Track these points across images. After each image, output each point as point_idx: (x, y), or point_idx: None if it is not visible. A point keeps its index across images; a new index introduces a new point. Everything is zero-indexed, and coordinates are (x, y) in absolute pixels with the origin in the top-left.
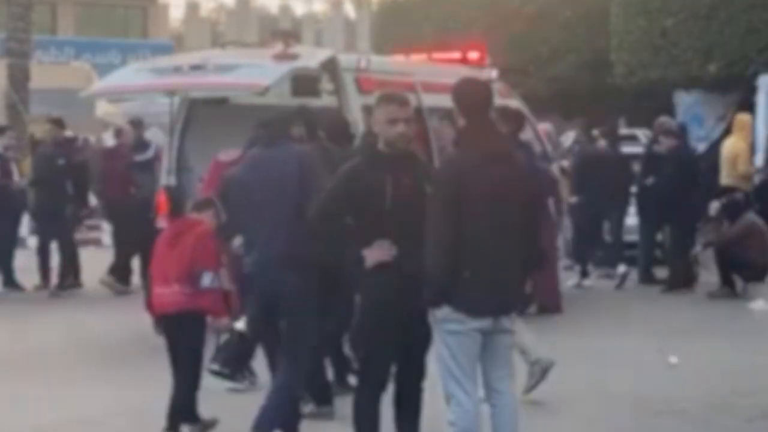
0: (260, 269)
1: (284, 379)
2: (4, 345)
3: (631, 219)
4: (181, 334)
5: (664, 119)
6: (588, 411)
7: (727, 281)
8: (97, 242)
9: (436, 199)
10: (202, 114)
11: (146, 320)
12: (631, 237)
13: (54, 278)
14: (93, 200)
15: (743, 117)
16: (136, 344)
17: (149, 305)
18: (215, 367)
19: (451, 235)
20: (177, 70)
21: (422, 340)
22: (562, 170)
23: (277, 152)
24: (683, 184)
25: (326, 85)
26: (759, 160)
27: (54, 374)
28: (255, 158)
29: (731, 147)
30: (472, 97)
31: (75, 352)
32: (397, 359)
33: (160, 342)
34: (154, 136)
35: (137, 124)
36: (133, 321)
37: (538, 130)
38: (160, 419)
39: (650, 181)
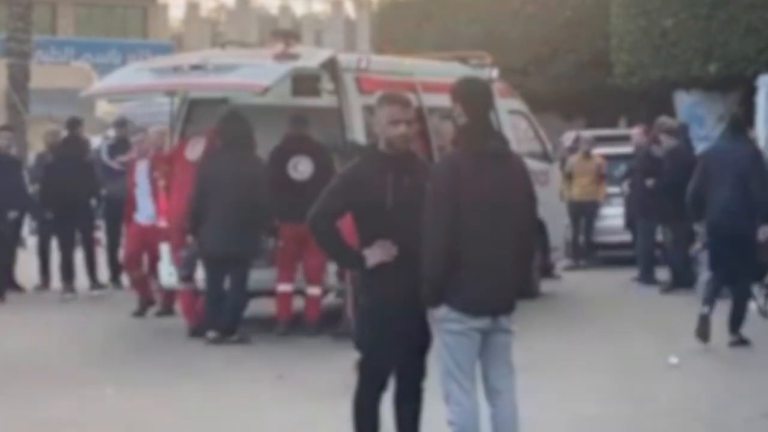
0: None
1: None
2: (4, 345)
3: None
4: None
5: (664, 119)
6: (588, 411)
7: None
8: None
9: (433, 198)
10: (202, 114)
11: (145, 321)
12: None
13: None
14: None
15: None
16: (136, 344)
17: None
18: None
19: (448, 234)
20: (177, 70)
21: (423, 339)
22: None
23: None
24: (684, 183)
25: (326, 85)
26: None
27: (54, 374)
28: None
29: None
30: (474, 96)
31: (75, 353)
32: (397, 359)
33: (159, 343)
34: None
35: (73, 124)
36: (132, 321)
37: (539, 130)
38: (161, 419)
39: (651, 182)
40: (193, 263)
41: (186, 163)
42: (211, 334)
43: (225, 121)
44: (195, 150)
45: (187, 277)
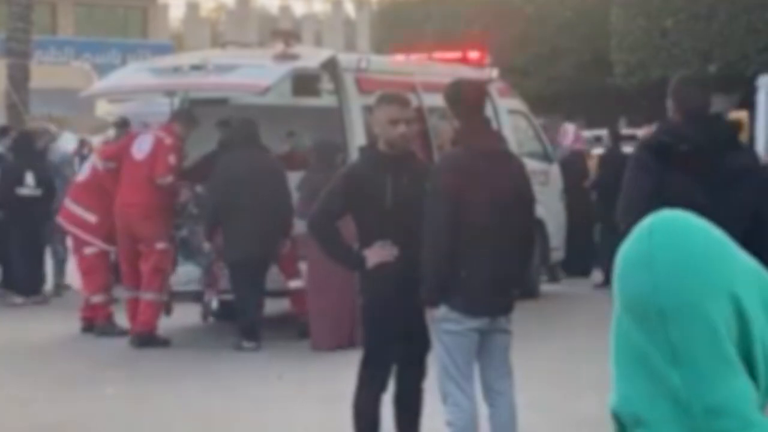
0: None
1: None
2: (3, 345)
3: None
4: None
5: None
6: (588, 411)
7: None
8: None
9: (434, 196)
10: (202, 114)
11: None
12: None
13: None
14: None
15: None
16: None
17: None
18: None
19: (448, 234)
20: (177, 70)
21: (423, 339)
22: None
23: None
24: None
25: (326, 85)
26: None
27: (54, 374)
28: None
29: None
30: (465, 97)
31: (75, 353)
32: (397, 359)
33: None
34: (66, 141)
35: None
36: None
37: (539, 130)
38: (161, 419)
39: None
40: (212, 269)
41: (132, 162)
42: (247, 344)
43: (237, 123)
44: (142, 149)
45: (209, 283)
